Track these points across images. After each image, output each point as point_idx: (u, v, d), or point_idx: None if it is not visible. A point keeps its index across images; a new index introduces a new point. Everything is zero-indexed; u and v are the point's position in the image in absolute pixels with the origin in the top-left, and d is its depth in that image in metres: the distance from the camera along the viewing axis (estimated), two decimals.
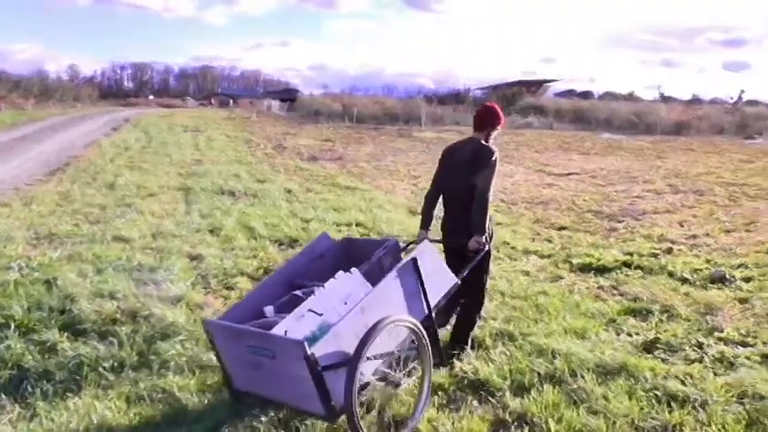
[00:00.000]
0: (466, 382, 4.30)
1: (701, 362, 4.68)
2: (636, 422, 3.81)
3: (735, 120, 39.11)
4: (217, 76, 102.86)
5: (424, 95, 46.29)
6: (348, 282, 3.90)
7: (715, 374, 4.45)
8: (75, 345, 4.69)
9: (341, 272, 3.96)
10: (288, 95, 59.62)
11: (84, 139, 21.91)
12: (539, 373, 4.38)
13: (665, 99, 49.52)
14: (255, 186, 12.56)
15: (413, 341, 3.72)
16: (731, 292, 6.39)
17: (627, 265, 7.34)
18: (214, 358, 4.42)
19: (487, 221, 4.58)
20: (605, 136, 31.39)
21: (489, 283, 4.96)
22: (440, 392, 4.11)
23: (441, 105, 42.34)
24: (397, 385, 3.79)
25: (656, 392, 4.12)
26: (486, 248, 4.60)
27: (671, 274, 7.00)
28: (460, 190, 4.64)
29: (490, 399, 4.07)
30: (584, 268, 7.29)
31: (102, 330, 4.95)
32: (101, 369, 4.33)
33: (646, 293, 6.26)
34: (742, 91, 45.74)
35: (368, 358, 3.36)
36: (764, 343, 5.05)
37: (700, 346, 4.99)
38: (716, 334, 5.23)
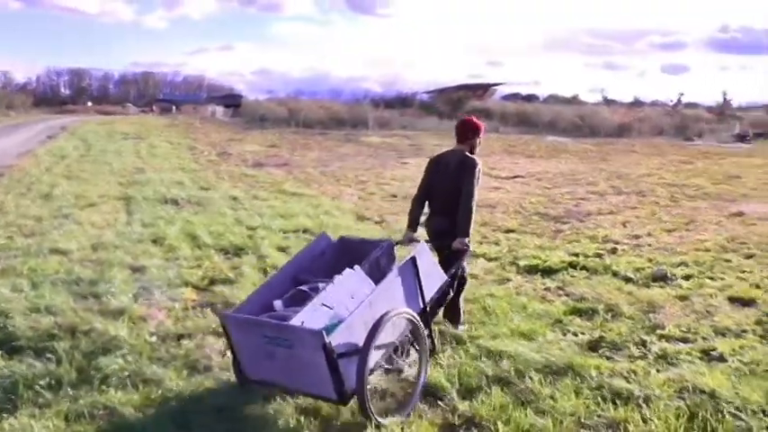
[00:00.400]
0: None
1: (644, 359, 4.82)
2: (582, 420, 3.89)
3: (675, 122, 40.40)
4: (158, 82, 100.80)
5: (370, 99, 46.36)
6: (354, 278, 4.25)
7: (657, 371, 4.58)
8: (10, 363, 4.54)
9: (348, 269, 4.27)
10: (232, 101, 58.86)
11: (18, 148, 21.25)
12: (486, 376, 4.43)
13: (608, 102, 50.83)
14: (200, 194, 12.41)
15: (412, 331, 4.10)
16: (672, 290, 6.60)
17: (572, 265, 7.49)
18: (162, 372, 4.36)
19: (472, 226, 4.95)
20: (550, 139, 32.02)
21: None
22: (388, 398, 4.13)
23: (388, 109, 42.50)
24: (400, 371, 4.16)
25: (602, 390, 4.22)
26: (469, 250, 5.00)
27: (615, 274, 7.18)
28: (446, 197, 5.06)
29: (439, 403, 4.11)
30: (531, 270, 7.42)
31: (38, 347, 4.80)
32: (37, 387, 4.20)
33: (591, 293, 6.41)
34: (681, 94, 47.46)
35: (375, 347, 3.71)
36: (704, 339, 5.24)
37: (643, 343, 5.13)
38: (658, 331, 5.39)
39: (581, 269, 7.38)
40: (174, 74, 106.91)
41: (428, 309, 4.40)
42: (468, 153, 5.19)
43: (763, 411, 3.96)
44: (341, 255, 4.82)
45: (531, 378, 4.37)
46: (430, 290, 4.43)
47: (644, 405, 4.04)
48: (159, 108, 68.26)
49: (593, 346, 5.08)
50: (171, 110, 63.06)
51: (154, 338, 5.06)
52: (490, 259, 7.96)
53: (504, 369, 4.53)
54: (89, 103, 75.71)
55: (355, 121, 38.16)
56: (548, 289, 6.74)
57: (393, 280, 4.14)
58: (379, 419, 3.73)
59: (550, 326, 5.54)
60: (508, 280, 7.02)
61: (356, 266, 4.34)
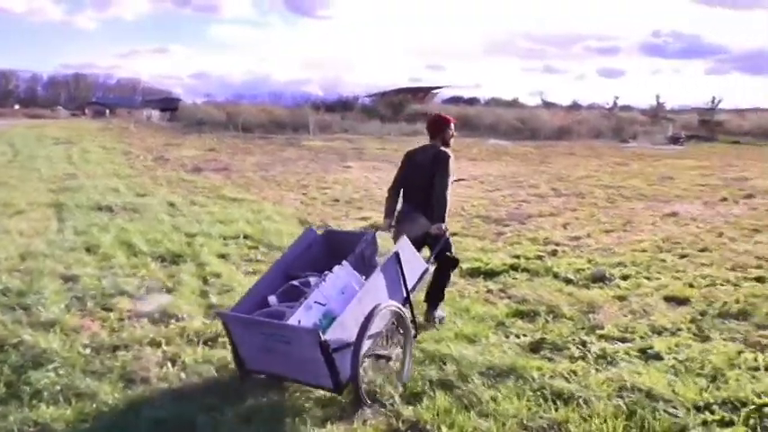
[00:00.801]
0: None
1: (584, 359, 4.93)
2: (525, 422, 3.95)
3: (611, 124, 41.50)
4: (91, 85, 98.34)
5: (311, 103, 46.17)
6: (342, 273, 4.54)
7: (597, 371, 4.70)
8: None
9: (337, 266, 4.57)
10: (169, 105, 57.81)
11: None
12: (430, 380, 4.46)
13: (547, 105, 51.87)
14: (135, 200, 12.13)
15: (397, 320, 4.47)
16: (611, 291, 6.78)
17: (514, 268, 7.61)
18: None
19: (447, 212, 5.43)
20: (492, 142, 32.48)
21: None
22: (332, 405, 4.12)
23: (329, 113, 42.41)
24: (389, 359, 4.46)
25: (543, 391, 4.30)
26: (447, 233, 5.52)
27: (556, 276, 7.33)
28: (421, 187, 5.52)
29: (383, 408, 4.12)
30: (474, 273, 7.50)
31: None
32: None
33: (532, 295, 6.52)
34: (617, 97, 48.76)
35: (366, 338, 4.05)
36: (641, 338, 5.39)
37: (583, 343, 5.25)
38: (597, 331, 5.53)
39: (522, 271, 7.50)
40: (106, 76, 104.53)
41: (410, 296, 4.77)
42: (441, 147, 5.64)
43: (697, 408, 4.10)
44: (327, 247, 5.19)
45: (474, 381, 4.43)
46: (412, 279, 4.79)
47: (584, 405, 4.13)
48: (92, 111, 66.60)
49: (535, 348, 5.18)
50: (104, 113, 61.61)
51: (88, 350, 4.92)
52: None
53: (448, 373, 4.57)
54: (17, 106, 73.24)
55: (296, 125, 37.95)
56: (490, 291, 6.82)
57: (379, 276, 4.46)
58: (373, 403, 4.12)
59: (493, 328, 5.61)
60: (453, 283, 7.08)
61: (344, 262, 4.64)
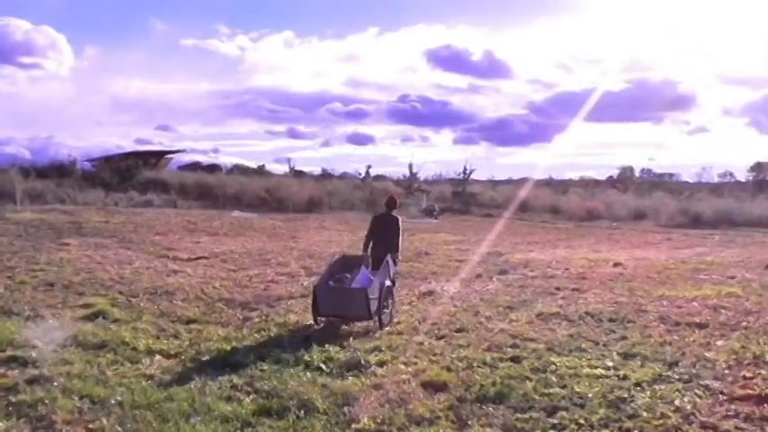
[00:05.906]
0: None
1: None
2: None
3: (365, 195, 43.61)
4: None
5: (18, 168, 42.90)
6: (364, 270, 10.04)
7: None
8: None
9: (362, 267, 10.08)
10: None
11: None
12: None
13: (296, 173, 53.21)
14: None
15: (390, 290, 10.10)
16: (367, 379, 7.04)
17: (262, 358, 7.61)
18: None
19: (400, 250, 11.08)
20: (235, 214, 32.58)
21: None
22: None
23: (41, 180, 39.75)
24: (387, 308, 9.86)
25: None
26: (399, 258, 11.28)
27: (307, 365, 7.45)
28: (384, 238, 10.63)
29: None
30: (217, 365, 7.39)
31: None
32: None
33: (282, 388, 6.56)
34: (369, 166, 51.38)
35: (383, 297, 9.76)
36: (399, 430, 5.65)
37: None
38: (354, 426, 5.71)
39: (271, 361, 7.52)
40: None
41: (394, 282, 10.55)
42: (393, 213, 11.03)
43: None
44: (346, 262, 10.58)
45: None
46: (392, 272, 10.36)
47: None
48: None
49: None
50: None
51: None
52: (169, 356, 7.78)
53: None
54: None
55: (0, 194, 35.02)
56: (235, 387, 6.73)
57: (383, 269, 9.96)
58: (384, 326, 9.46)
59: (239, 430, 5.55)
60: (191, 379, 6.91)
61: (361, 266, 10.07)
